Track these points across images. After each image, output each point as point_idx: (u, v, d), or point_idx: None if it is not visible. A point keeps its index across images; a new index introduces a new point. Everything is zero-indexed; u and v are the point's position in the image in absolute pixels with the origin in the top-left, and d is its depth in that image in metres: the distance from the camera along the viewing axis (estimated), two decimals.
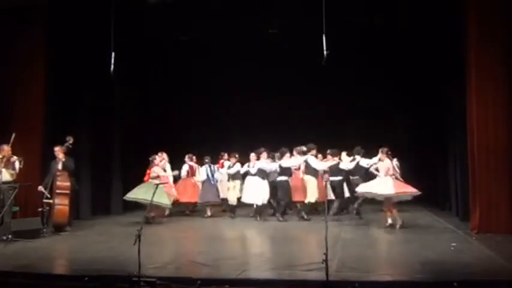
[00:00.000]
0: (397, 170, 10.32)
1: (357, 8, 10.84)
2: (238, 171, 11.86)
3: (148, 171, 11.42)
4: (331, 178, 11.16)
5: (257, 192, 11.26)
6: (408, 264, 6.79)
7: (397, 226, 9.58)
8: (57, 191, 9.52)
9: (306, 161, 11.15)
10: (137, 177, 11.59)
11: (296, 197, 11.46)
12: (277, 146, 12.11)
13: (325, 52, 8.62)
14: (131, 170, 12.50)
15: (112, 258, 7.26)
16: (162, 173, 11.36)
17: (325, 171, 11.22)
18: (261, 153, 11.51)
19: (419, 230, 9.47)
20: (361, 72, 13.69)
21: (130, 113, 13.20)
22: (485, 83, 8.81)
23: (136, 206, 11.25)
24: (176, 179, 12.38)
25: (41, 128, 10.32)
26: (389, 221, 9.74)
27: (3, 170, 9.17)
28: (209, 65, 13.85)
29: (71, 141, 9.78)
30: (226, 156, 12.53)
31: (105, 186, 12.68)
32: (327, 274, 5.48)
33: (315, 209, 11.61)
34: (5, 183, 9.10)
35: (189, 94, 14.68)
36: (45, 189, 9.54)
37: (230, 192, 11.93)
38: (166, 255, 7.72)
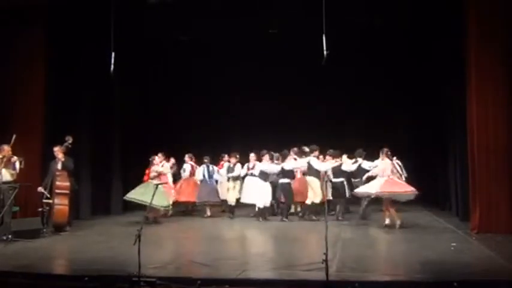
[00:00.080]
0: (398, 169, 10.27)
1: (357, 8, 10.84)
2: (239, 175, 11.88)
3: (147, 171, 11.42)
4: (334, 180, 11.18)
5: (258, 194, 11.27)
6: (408, 264, 6.79)
7: (397, 226, 9.59)
8: (57, 191, 9.51)
9: (308, 162, 11.15)
10: (137, 177, 11.59)
11: (297, 198, 11.47)
12: (277, 146, 12.12)
13: (325, 52, 8.61)
14: (131, 170, 12.49)
15: (112, 258, 7.26)
16: (162, 170, 11.29)
17: (325, 172, 11.23)
18: (263, 155, 11.51)
19: (419, 230, 9.47)
20: (361, 72, 13.69)
21: (130, 113, 13.20)
22: (485, 83, 8.82)
23: (136, 206, 11.23)
24: (176, 179, 12.38)
25: (41, 128, 10.32)
26: (387, 221, 9.75)
27: (4, 170, 9.16)
28: (209, 65, 13.85)
29: (70, 141, 9.78)
30: (226, 157, 12.53)
31: (105, 186, 12.68)
32: (327, 274, 5.48)
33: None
34: (5, 183, 9.09)
35: (189, 94, 14.68)
36: (45, 189, 9.54)
37: (230, 192, 11.93)
38: (166, 255, 7.71)
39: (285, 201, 11.33)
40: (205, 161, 12.26)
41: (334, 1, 8.94)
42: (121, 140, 12.99)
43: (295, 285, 5.88)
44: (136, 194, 10.67)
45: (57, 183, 9.55)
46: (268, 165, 11.42)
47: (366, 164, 10.92)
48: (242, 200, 11.69)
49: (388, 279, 6.03)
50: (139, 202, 10.45)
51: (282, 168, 11.30)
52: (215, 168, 12.34)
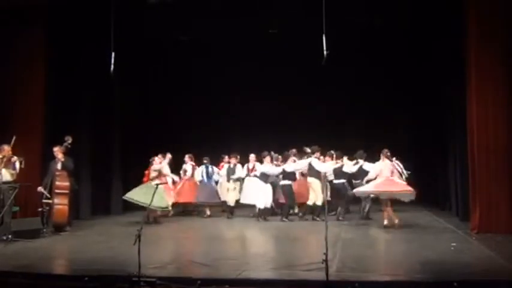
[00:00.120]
0: (399, 169, 10.25)
1: (357, 8, 10.84)
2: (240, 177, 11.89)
3: (147, 172, 11.41)
4: (335, 181, 11.19)
5: (258, 195, 11.27)
6: (408, 264, 6.79)
7: (396, 225, 9.59)
8: (56, 191, 9.52)
9: (309, 164, 11.15)
10: (137, 177, 11.59)
11: (298, 200, 11.48)
12: (277, 146, 12.12)
13: (325, 52, 8.61)
14: (131, 170, 12.49)
15: (112, 258, 7.26)
16: (161, 167, 11.27)
17: (325, 173, 11.23)
18: (264, 157, 11.51)
19: (419, 230, 9.47)
20: (361, 72, 13.69)
21: (130, 113, 13.20)
22: (485, 83, 8.81)
23: (137, 206, 11.22)
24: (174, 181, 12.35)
25: (41, 128, 10.32)
26: (386, 221, 9.75)
27: (4, 170, 9.16)
28: (209, 65, 13.84)
29: (69, 141, 9.78)
30: (226, 158, 12.51)
31: (105, 186, 12.68)
32: (327, 274, 5.48)
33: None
34: (5, 183, 9.09)
35: (189, 94, 14.68)
36: (45, 189, 9.54)
37: (230, 193, 11.92)
38: (166, 255, 7.71)
39: (286, 202, 11.32)
40: (205, 161, 12.25)
41: (334, 1, 8.93)
42: (121, 140, 12.99)
43: (295, 285, 5.88)
44: (136, 195, 10.64)
45: (57, 183, 9.55)
46: (269, 167, 11.42)
47: (367, 166, 10.91)
48: (242, 201, 11.70)
49: (388, 279, 6.03)
50: (138, 203, 10.44)
51: (284, 170, 11.30)
52: (215, 169, 12.34)
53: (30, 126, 10.16)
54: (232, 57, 13.42)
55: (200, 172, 12.17)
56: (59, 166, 9.71)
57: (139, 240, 5.79)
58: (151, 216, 10.71)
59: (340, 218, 10.89)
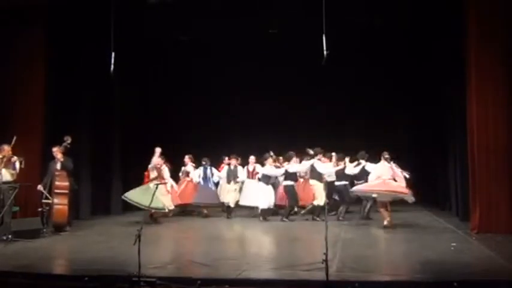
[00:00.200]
0: (398, 172, 10.22)
1: (357, 8, 10.84)
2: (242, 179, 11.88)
3: (146, 173, 11.40)
4: (337, 183, 11.18)
5: (258, 196, 11.27)
6: (408, 264, 6.80)
7: (384, 224, 9.60)
8: (56, 191, 9.51)
9: (312, 165, 11.14)
10: (137, 177, 11.59)
11: (300, 201, 11.49)
12: (277, 146, 12.11)
13: (325, 52, 8.61)
14: (131, 170, 12.49)
15: (112, 258, 7.25)
16: (163, 174, 11.25)
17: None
18: (265, 159, 11.50)
19: (419, 230, 9.48)
20: (361, 72, 13.69)
21: (130, 113, 13.20)
22: (485, 83, 8.81)
23: (136, 206, 11.22)
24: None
25: (41, 128, 10.32)
26: (385, 221, 9.76)
27: (4, 170, 9.16)
28: (209, 65, 13.85)
29: (68, 141, 9.77)
30: (226, 159, 12.50)
31: (105, 186, 12.68)
32: (327, 274, 5.48)
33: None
34: (5, 183, 9.08)
35: (189, 94, 14.68)
36: (44, 189, 9.55)
37: (230, 194, 11.91)
38: (166, 255, 7.72)
39: (288, 202, 11.31)
40: (203, 163, 12.25)
41: (334, 1, 8.94)
42: (121, 140, 12.99)
43: (295, 285, 5.87)
44: (135, 196, 10.62)
45: (56, 183, 9.55)
46: (270, 169, 11.41)
47: (369, 166, 10.90)
48: (241, 203, 11.69)
49: (388, 279, 6.03)
50: (136, 204, 10.43)
51: (286, 171, 11.29)
52: (214, 170, 12.33)
53: (30, 126, 10.16)
54: (232, 57, 13.42)
55: (197, 174, 12.17)
56: (58, 166, 9.71)
57: (139, 240, 5.79)
58: (154, 218, 10.71)
59: (341, 218, 10.90)
